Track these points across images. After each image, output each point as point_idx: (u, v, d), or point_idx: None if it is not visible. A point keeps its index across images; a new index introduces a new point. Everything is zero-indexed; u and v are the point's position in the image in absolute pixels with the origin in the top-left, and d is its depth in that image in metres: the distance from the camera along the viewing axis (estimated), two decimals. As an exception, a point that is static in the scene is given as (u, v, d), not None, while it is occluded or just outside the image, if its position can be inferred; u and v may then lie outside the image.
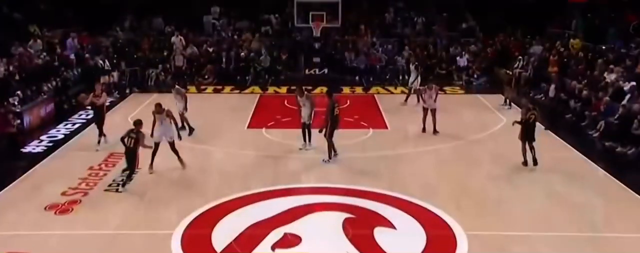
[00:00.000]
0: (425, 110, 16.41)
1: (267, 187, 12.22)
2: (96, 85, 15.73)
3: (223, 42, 27.53)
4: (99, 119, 15.14)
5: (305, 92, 14.80)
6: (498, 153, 14.60)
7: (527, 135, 13.62)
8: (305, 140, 14.71)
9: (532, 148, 13.55)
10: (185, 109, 16.00)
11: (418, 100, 19.71)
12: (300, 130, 14.79)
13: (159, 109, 13.53)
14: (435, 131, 16.20)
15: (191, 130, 16.11)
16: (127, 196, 11.75)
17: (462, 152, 14.87)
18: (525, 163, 13.58)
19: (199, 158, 14.20)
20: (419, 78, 20.10)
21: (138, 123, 12.50)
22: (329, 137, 13.58)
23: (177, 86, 16.53)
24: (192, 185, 12.36)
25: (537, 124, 16.49)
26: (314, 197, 11.69)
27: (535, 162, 13.47)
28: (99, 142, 14.87)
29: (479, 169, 13.50)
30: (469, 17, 30.05)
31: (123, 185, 12.18)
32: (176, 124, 14.12)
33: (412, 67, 20.73)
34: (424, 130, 16.43)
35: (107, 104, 20.10)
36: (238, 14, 30.21)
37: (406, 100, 20.23)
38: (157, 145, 13.27)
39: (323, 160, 13.73)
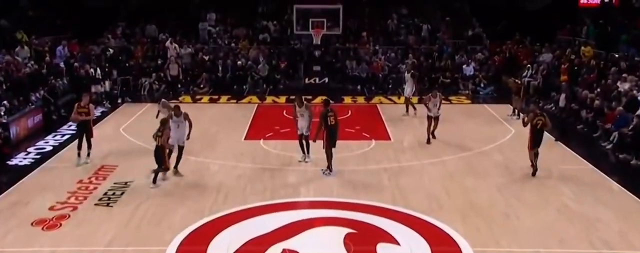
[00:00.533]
0: (430, 119, 16.67)
1: (265, 201, 12.21)
2: (83, 96, 15.08)
3: (219, 50, 27.62)
4: (86, 133, 14.70)
5: (305, 102, 14.81)
6: (506, 166, 14.61)
7: (535, 142, 13.76)
8: (303, 152, 14.72)
9: (536, 154, 13.76)
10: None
11: (407, 110, 20.00)
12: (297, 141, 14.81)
13: (177, 111, 13.76)
14: (432, 134, 16.68)
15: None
16: (118, 211, 11.73)
17: (469, 164, 14.87)
18: (534, 173, 13.79)
19: (194, 171, 14.18)
20: (414, 87, 20.15)
21: (164, 122, 13.15)
22: (328, 148, 13.55)
23: (163, 99, 16.39)
24: (187, 199, 12.33)
25: (548, 135, 16.62)
26: (314, 212, 11.68)
27: (534, 173, 13.84)
28: (79, 155, 14.60)
29: (486, 182, 13.48)
30: (475, 24, 30.17)
31: (154, 182, 12.92)
32: (191, 127, 14.08)
33: (407, 75, 20.73)
34: (428, 140, 16.66)
35: (98, 114, 20.34)
36: (235, 20, 30.35)
37: (407, 111, 20.25)
38: (173, 149, 13.69)
39: (322, 170, 13.73)
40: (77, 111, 14.64)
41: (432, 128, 16.78)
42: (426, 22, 29.98)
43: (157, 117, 15.96)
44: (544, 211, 11.80)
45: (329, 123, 13.54)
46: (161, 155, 12.99)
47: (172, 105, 16.00)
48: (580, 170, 14.48)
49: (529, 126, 13.99)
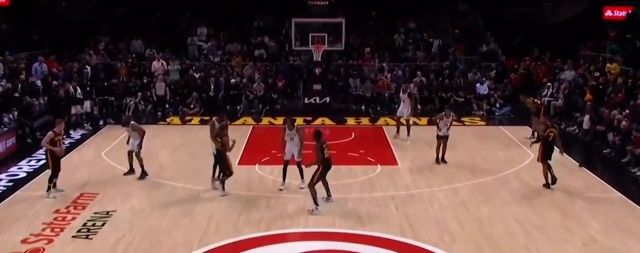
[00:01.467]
0: (439, 138, 17.02)
1: (260, 233, 12.12)
2: (58, 123, 14.78)
3: (211, 67, 27.67)
4: (54, 165, 14.38)
5: (296, 125, 14.74)
6: (525, 194, 14.52)
7: (547, 154, 14.06)
8: (284, 180, 14.74)
9: (549, 167, 14.17)
10: (140, 147, 15.61)
11: (398, 131, 20.27)
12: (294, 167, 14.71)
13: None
14: (442, 159, 17.06)
15: (143, 174, 15.64)
16: (98, 244, 11.62)
17: (484, 191, 14.78)
18: (547, 185, 14.29)
19: (183, 199, 14.10)
20: (410, 108, 20.10)
21: (224, 127, 14.41)
22: (313, 183, 13.11)
23: (132, 122, 16.12)
24: (174, 230, 12.23)
25: (571, 160, 16.62)
26: (314, 244, 11.58)
27: (554, 181, 14.40)
28: (49, 188, 14.28)
29: (504, 211, 13.38)
30: (489, 38, 30.27)
31: (222, 189, 14.07)
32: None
33: (403, 95, 20.58)
34: (437, 160, 17.01)
35: (78, 137, 20.32)
36: (228, 35, 30.47)
37: (408, 133, 20.16)
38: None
39: (310, 210, 13.16)
40: (56, 140, 14.29)
41: (441, 151, 17.06)
42: (436, 37, 30.09)
43: (127, 142, 15.87)
44: (568, 244, 11.68)
45: (325, 155, 13.31)
46: (223, 161, 14.02)
47: (143, 128, 15.97)
48: (607, 198, 14.39)
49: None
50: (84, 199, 13.99)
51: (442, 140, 17.04)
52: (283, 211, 13.37)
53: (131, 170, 15.83)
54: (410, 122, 20.36)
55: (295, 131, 14.57)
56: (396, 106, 25.10)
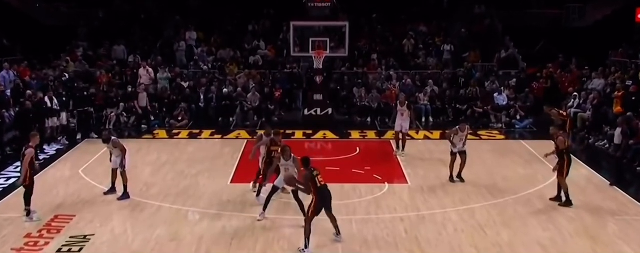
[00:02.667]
0: (454, 155, 16.99)
1: (254, 259, 12.04)
2: (32, 137, 14.74)
3: (202, 75, 27.71)
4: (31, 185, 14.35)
5: (293, 155, 14.06)
6: (550, 216, 14.46)
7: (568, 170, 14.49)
8: (266, 209, 14.32)
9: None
10: (123, 166, 15.58)
11: (398, 147, 20.21)
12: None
13: (277, 132, 14.75)
14: (459, 176, 17.03)
15: (124, 195, 15.55)
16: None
17: (504, 213, 14.73)
18: (568, 202, 14.50)
19: (170, 221, 14.05)
20: (408, 122, 20.07)
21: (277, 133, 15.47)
22: (309, 218, 12.58)
23: (113, 138, 16.10)
24: (159, 256, 12.20)
25: (602, 178, 16.60)
26: (315, 272, 11.50)
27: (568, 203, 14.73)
28: (29, 212, 14.19)
29: (526, 236, 13.32)
30: (508, 44, 30.32)
31: (257, 195, 14.89)
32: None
33: (402, 108, 20.29)
34: (451, 178, 16.98)
35: (53, 152, 20.30)
36: (220, 40, 30.57)
37: (403, 148, 20.14)
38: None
39: (300, 250, 12.62)
40: (34, 158, 14.35)
41: (459, 167, 17.05)
42: (449, 42, 30.13)
43: (110, 160, 15.86)
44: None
45: (319, 184, 12.68)
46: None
47: (124, 145, 15.94)
48: (642, 221, 14.35)
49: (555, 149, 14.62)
50: (58, 222, 13.92)
51: (458, 155, 17.03)
52: (280, 234, 13.31)
53: (112, 189, 15.82)
54: (401, 136, 20.29)
55: (292, 161, 13.88)
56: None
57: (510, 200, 15.62)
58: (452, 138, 17.03)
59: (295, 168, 13.84)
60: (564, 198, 15.06)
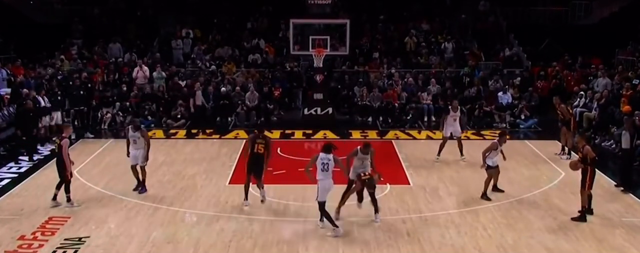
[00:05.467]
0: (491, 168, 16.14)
1: (253, 262, 12.05)
2: (65, 128, 15.67)
3: (199, 74, 27.71)
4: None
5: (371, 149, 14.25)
6: (556, 218, 14.43)
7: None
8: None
9: (590, 197, 14.25)
10: (146, 158, 16.02)
11: (439, 153, 19.70)
12: (294, 186, 14.67)
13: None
14: (495, 188, 16.25)
15: (144, 188, 16.17)
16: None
17: (507, 215, 14.70)
18: (590, 212, 14.28)
19: (167, 223, 14.04)
20: (459, 125, 19.90)
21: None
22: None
23: (143, 127, 16.54)
24: (155, 259, 12.19)
25: (608, 179, 16.56)
26: (315, 275, 11.51)
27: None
28: (69, 199, 14.93)
29: (531, 239, 13.30)
30: (513, 42, 30.33)
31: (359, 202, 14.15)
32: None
33: (453, 112, 19.78)
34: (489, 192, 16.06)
35: (47, 153, 20.25)
36: (218, 38, 30.54)
37: (461, 152, 19.82)
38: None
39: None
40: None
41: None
42: (452, 40, 30.13)
43: (128, 155, 16.06)
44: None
45: (255, 150, 14.36)
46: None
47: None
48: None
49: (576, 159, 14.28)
50: (53, 224, 13.90)
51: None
52: (280, 237, 13.29)
53: (140, 184, 16.18)
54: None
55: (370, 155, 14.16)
56: (408, 118, 25.22)
57: (515, 202, 15.60)
58: (488, 153, 16.16)
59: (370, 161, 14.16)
60: (582, 211, 14.44)
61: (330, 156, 13.53)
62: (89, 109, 24.24)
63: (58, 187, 14.94)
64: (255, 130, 15.70)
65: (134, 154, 16.04)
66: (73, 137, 22.03)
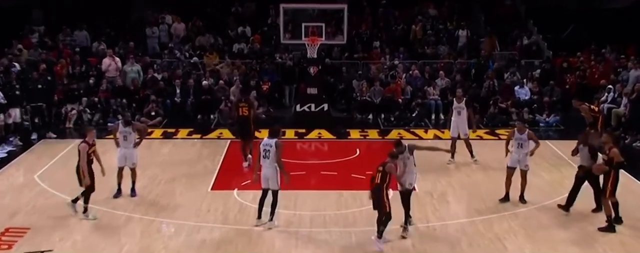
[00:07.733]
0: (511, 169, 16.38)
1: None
2: (88, 131, 15.66)
3: (177, 66, 27.70)
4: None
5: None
6: (580, 227, 14.48)
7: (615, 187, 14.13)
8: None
9: (616, 204, 14.22)
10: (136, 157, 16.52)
11: (453, 155, 19.70)
12: (285, 192, 14.73)
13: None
14: (521, 198, 16.23)
15: (134, 192, 16.49)
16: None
17: (526, 224, 14.75)
18: (619, 220, 14.21)
19: (141, 234, 14.05)
20: (466, 123, 19.91)
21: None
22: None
23: (143, 118, 16.89)
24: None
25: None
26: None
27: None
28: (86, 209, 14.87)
29: (553, 251, 13.36)
30: (532, 29, 30.37)
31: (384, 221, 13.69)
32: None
33: (457, 104, 20.01)
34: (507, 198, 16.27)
35: (3, 155, 20.26)
36: (199, 25, 30.51)
37: (471, 154, 19.87)
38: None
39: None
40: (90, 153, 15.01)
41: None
42: (464, 28, 30.15)
43: (119, 147, 16.36)
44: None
45: (240, 114, 16.29)
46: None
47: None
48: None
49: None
50: (10, 235, 13.88)
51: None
52: (270, 248, 13.35)
53: (119, 191, 16.37)
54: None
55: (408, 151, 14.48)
56: (413, 115, 25.26)
57: (534, 209, 15.65)
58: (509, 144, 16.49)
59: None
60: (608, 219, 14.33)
61: (273, 142, 13.76)
62: (49, 105, 24.10)
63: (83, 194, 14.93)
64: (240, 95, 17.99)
65: (123, 154, 16.20)
66: (34, 137, 22.22)
